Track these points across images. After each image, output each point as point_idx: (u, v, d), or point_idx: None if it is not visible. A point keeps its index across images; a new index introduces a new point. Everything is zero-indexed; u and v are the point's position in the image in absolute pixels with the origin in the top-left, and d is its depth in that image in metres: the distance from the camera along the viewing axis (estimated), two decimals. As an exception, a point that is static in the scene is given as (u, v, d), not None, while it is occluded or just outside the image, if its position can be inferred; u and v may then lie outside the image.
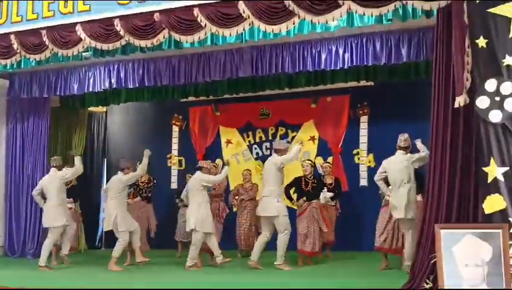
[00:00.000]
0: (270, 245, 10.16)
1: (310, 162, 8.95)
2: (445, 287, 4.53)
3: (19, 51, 8.62)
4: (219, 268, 8.24)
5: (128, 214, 8.65)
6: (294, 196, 8.91)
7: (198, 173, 8.51)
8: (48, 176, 8.89)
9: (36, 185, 9.95)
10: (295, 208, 8.70)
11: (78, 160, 8.93)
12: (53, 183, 8.69)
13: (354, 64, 8.44)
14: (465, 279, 4.50)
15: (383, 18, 6.78)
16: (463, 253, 4.55)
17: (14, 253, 10.44)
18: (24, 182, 10.59)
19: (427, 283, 5.06)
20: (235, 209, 10.04)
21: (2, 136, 10.93)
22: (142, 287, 6.74)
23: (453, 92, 5.46)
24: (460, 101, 5.27)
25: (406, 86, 9.67)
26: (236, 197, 9.93)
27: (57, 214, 8.57)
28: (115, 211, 8.43)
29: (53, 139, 11.44)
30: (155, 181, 9.15)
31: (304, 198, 8.53)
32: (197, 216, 8.13)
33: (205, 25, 7.45)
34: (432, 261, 5.00)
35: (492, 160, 4.83)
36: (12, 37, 8.57)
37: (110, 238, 10.23)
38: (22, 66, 9.00)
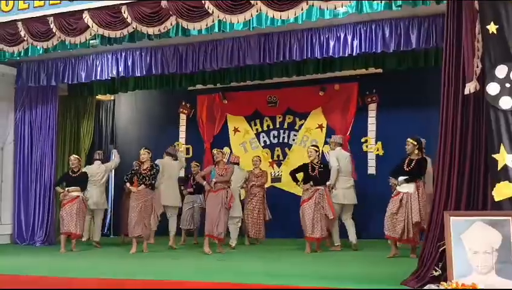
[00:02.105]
0: (278, 233, 10.22)
1: (314, 147, 8.90)
2: (454, 275, 4.51)
3: (26, 38, 8.64)
4: (229, 254, 8.40)
5: None
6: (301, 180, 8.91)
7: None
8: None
9: (44, 172, 10.14)
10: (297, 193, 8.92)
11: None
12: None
13: (363, 51, 8.37)
14: (474, 266, 4.49)
15: (393, 4, 6.73)
16: (472, 240, 4.53)
17: (23, 241, 10.50)
18: (32, 169, 10.65)
19: (436, 271, 5.02)
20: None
21: (11, 124, 10.97)
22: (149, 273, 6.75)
23: (463, 78, 5.38)
24: (470, 87, 5.21)
25: (415, 73, 9.61)
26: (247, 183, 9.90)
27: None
28: None
29: (61, 127, 11.48)
30: (158, 168, 9.12)
31: (311, 182, 8.52)
32: None
33: (212, 12, 7.44)
34: (441, 249, 4.98)
35: (502, 147, 4.77)
36: (19, 24, 8.59)
37: (118, 226, 10.28)
38: (30, 54, 9.05)
